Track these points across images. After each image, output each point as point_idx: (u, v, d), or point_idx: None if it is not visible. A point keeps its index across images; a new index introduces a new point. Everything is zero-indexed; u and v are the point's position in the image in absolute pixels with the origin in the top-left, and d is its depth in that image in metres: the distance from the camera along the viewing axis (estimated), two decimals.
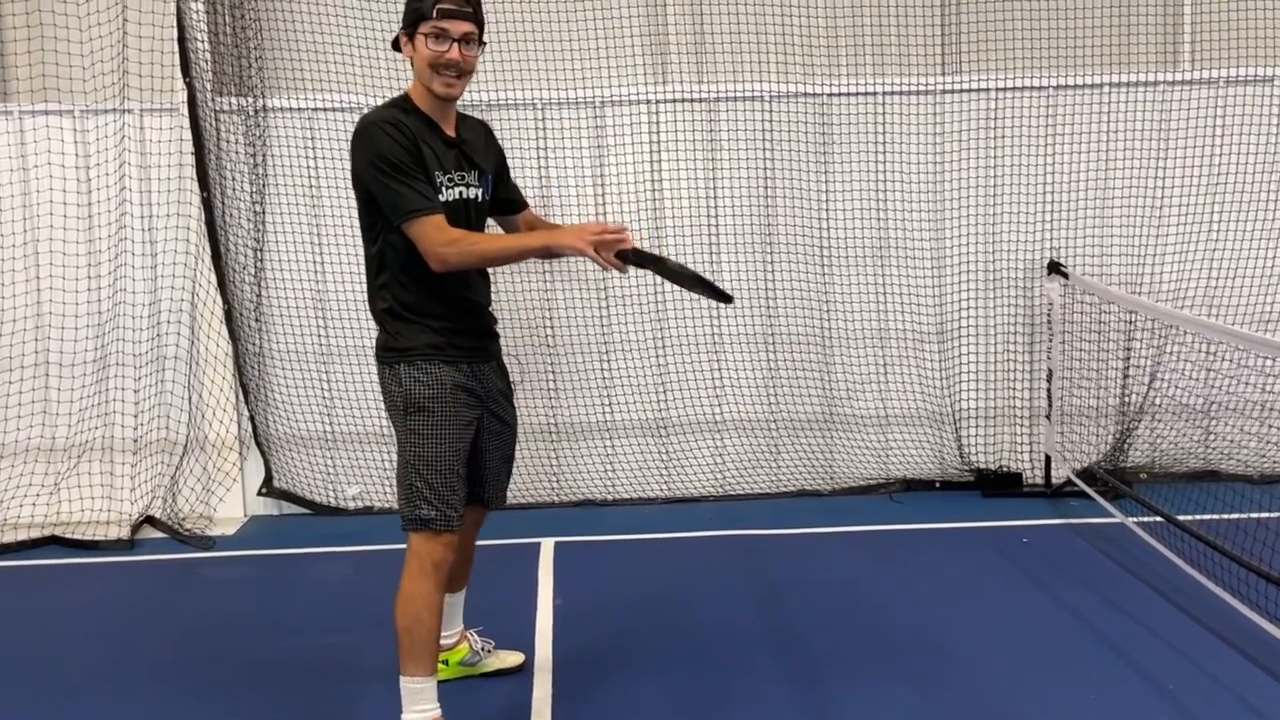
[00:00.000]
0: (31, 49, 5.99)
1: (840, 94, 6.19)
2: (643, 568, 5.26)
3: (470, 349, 3.54)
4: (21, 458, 6.02)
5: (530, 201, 4.23)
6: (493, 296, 3.73)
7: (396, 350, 3.48)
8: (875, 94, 6.19)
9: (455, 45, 3.36)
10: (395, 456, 3.57)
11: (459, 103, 3.59)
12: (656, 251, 3.33)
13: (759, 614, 4.63)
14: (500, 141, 3.82)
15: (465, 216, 3.49)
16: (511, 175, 3.86)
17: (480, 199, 3.58)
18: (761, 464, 6.38)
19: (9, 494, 6.00)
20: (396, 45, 3.51)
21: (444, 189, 3.42)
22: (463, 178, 3.51)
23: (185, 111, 5.91)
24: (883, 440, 6.40)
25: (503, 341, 3.76)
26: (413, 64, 3.45)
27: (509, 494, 3.92)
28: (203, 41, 5.96)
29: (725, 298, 3.35)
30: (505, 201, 3.79)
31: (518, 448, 3.86)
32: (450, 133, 3.53)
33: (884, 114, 6.20)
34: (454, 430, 3.46)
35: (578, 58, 6.13)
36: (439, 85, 3.39)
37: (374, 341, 3.60)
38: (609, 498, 6.33)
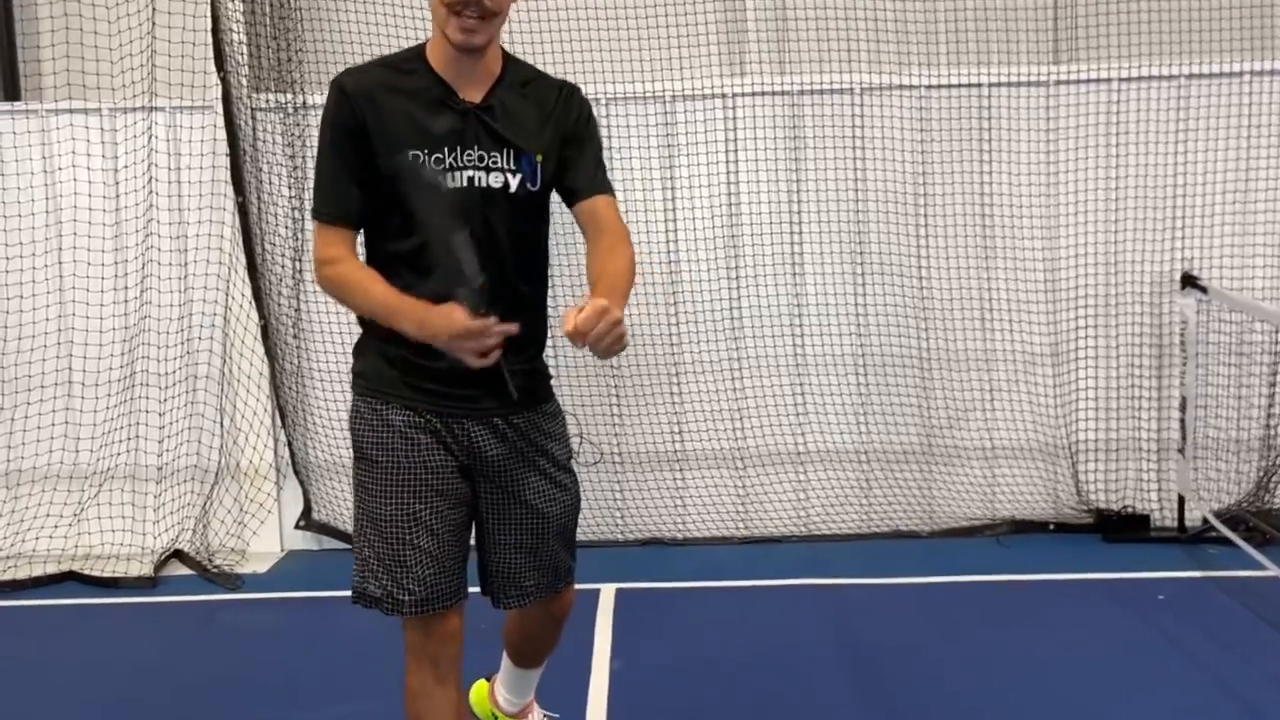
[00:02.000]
0: (55, 42, 5.57)
1: (940, 86, 5.59)
2: (714, 624, 4.66)
3: (438, 396, 2.68)
4: (41, 485, 5.58)
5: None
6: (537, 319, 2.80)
7: (353, 375, 2.80)
8: (979, 85, 5.58)
9: None
10: None
11: (539, 62, 2.88)
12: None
13: (846, 684, 4.02)
14: (584, 115, 2.82)
15: (475, 211, 2.62)
16: (591, 156, 2.82)
17: (508, 188, 2.65)
18: (850, 501, 5.77)
19: (27, 523, 5.57)
20: None
21: (431, 173, 2.62)
22: (470, 158, 2.63)
23: (219, 109, 5.46)
24: (989, 475, 5.75)
25: (558, 382, 2.95)
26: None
27: None
28: (238, 33, 5.52)
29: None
30: (564, 190, 2.80)
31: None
32: (473, 98, 2.66)
33: (989, 109, 5.58)
34: (406, 488, 2.68)
35: (645, 49, 5.60)
36: (454, 30, 2.57)
37: None
38: (678, 536, 5.75)
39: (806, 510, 5.78)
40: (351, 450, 2.76)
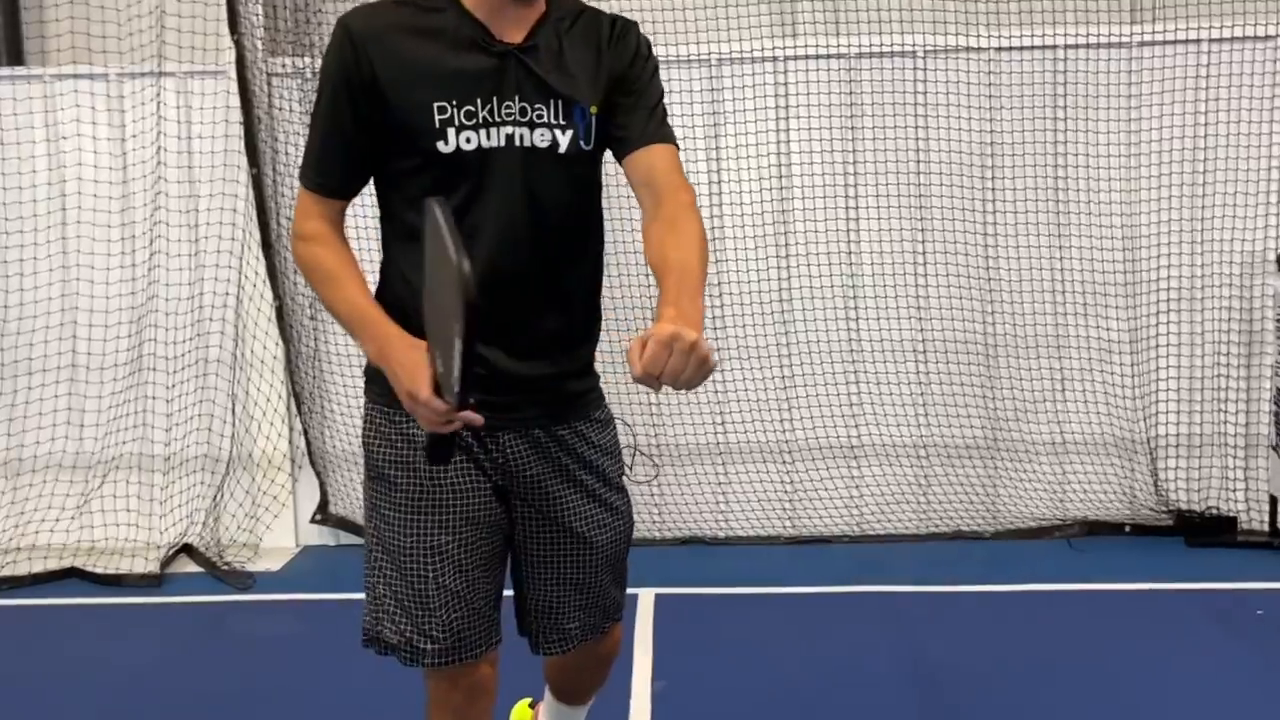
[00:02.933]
0: (60, 1, 5.24)
1: (1010, 48, 5.15)
2: (762, 634, 4.28)
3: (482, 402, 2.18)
4: (42, 475, 5.27)
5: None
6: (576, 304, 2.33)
7: (366, 380, 2.36)
8: (1053, 48, 5.13)
9: None
10: None
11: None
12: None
13: (904, 704, 3.63)
14: (643, 53, 2.30)
15: (518, 178, 2.16)
16: (649, 100, 2.27)
17: (557, 147, 2.17)
18: (908, 499, 5.37)
19: (28, 516, 5.26)
20: None
21: (453, 130, 2.13)
22: (509, 112, 2.14)
23: (232, 74, 5.12)
24: (1059, 472, 5.32)
25: (602, 364, 2.46)
26: None
27: None
28: None
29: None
30: (614, 141, 2.26)
31: None
32: (511, 38, 2.18)
33: (1064, 73, 5.14)
34: (430, 514, 2.24)
35: (688, 8, 5.21)
36: None
37: None
38: (721, 534, 5.37)
39: (860, 509, 5.38)
40: (364, 468, 2.35)
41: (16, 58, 5.52)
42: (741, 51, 5.20)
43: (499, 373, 2.20)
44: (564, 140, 2.18)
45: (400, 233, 2.24)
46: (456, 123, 2.13)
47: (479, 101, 2.13)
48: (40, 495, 5.25)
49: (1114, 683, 3.77)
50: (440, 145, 2.13)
